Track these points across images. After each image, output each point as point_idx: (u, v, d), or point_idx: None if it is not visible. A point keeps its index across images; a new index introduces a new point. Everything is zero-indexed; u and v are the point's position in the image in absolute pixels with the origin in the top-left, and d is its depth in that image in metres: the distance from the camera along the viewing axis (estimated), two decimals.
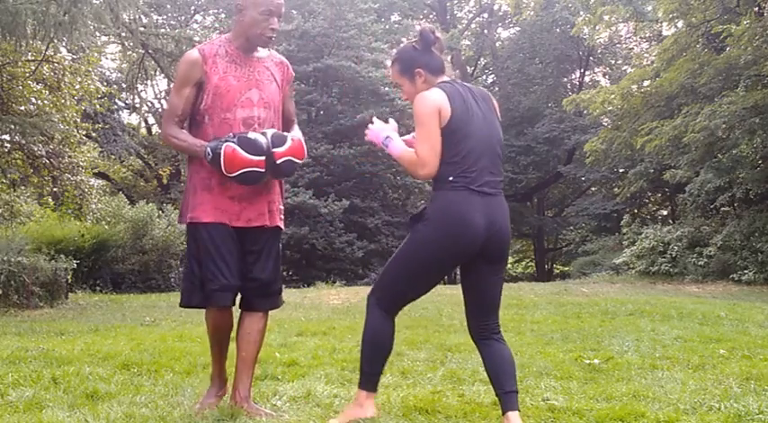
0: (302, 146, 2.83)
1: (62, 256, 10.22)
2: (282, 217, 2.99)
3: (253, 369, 2.94)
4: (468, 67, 29.76)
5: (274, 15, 2.80)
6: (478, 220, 2.58)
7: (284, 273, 22.08)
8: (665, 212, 23.09)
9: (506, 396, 2.64)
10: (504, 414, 2.64)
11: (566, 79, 29.02)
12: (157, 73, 10.53)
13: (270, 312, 2.99)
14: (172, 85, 3.03)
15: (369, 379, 2.74)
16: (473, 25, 30.98)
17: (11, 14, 6.98)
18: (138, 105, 18.92)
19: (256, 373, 3.75)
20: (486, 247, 2.62)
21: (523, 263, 36.55)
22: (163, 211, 15.53)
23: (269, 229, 2.89)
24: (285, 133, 2.85)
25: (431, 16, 29.53)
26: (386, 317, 2.74)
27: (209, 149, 2.70)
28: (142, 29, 9.58)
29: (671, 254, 14.91)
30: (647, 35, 22.44)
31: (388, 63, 2.87)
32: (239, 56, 2.87)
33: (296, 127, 3.09)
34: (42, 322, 6.93)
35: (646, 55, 22.30)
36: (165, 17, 25.45)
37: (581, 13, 22.05)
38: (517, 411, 2.63)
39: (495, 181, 2.65)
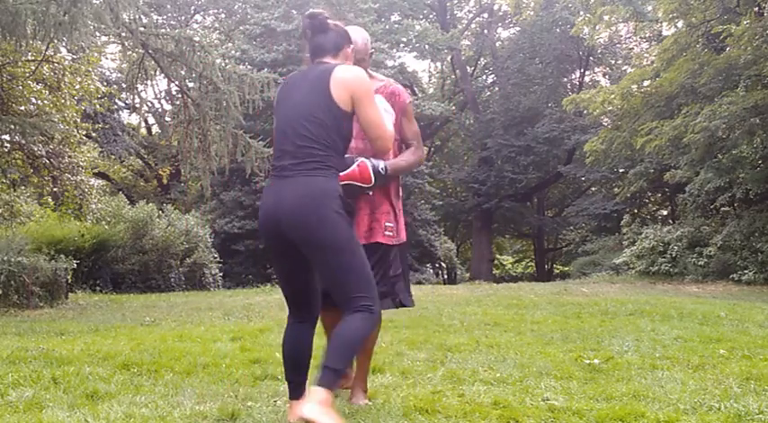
0: (364, 171, 2.81)
1: (62, 256, 10.23)
2: (389, 233, 3.08)
3: (363, 364, 3.14)
4: (468, 67, 29.77)
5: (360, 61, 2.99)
6: (268, 203, 2.55)
7: None
8: (665, 212, 23.09)
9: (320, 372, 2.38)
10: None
11: (566, 79, 29.04)
12: (157, 73, 10.50)
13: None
14: None
15: (289, 387, 2.70)
16: (473, 25, 30.99)
17: (11, 14, 6.98)
18: (138, 105, 18.88)
19: (256, 373, 3.77)
20: (287, 231, 2.51)
21: (523, 263, 36.58)
22: (163, 211, 15.53)
23: (369, 246, 2.97)
24: (356, 158, 2.87)
25: (431, 16, 29.54)
26: (292, 323, 2.68)
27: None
28: (142, 29, 9.56)
29: (671, 254, 14.93)
30: (647, 35, 22.44)
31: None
32: None
33: (410, 150, 3.15)
34: (42, 322, 6.93)
35: (646, 55, 22.30)
36: (165, 17, 25.47)
37: (581, 13, 22.06)
38: (319, 389, 2.32)
39: (293, 163, 2.54)
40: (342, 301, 2.51)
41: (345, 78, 2.58)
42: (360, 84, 2.60)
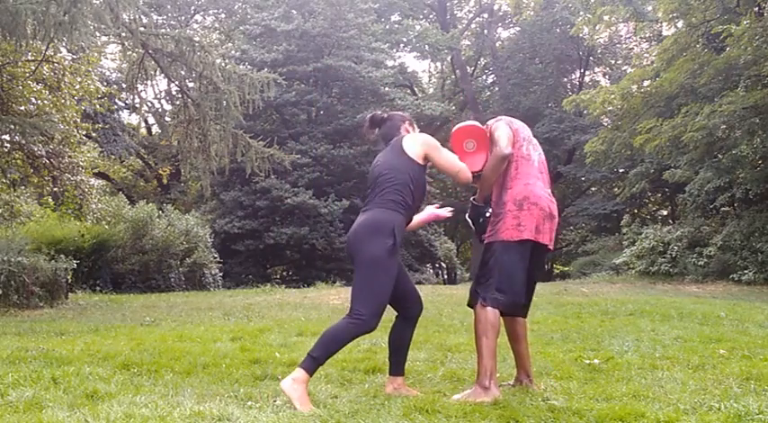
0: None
1: (62, 256, 10.22)
2: (494, 231, 3.44)
3: (479, 356, 3.27)
4: (468, 67, 29.75)
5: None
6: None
7: (284, 273, 22.10)
8: (665, 212, 23.10)
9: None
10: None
11: (566, 79, 29.01)
12: (157, 73, 10.50)
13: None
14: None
15: (389, 365, 3.42)
16: (473, 25, 30.96)
17: (11, 14, 6.98)
18: (138, 105, 18.89)
19: (256, 373, 3.77)
20: (348, 248, 3.31)
21: None
22: (163, 211, 15.52)
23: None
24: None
25: (431, 16, 29.52)
26: (396, 317, 3.46)
27: None
28: (142, 29, 9.57)
29: (671, 254, 14.92)
30: (647, 35, 22.42)
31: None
32: None
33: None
34: (42, 322, 6.93)
35: (646, 55, 22.28)
36: (165, 17, 25.47)
37: (581, 13, 22.04)
38: (298, 369, 3.09)
39: (368, 201, 3.30)
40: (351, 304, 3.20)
41: (415, 139, 3.34)
42: (427, 141, 3.35)
